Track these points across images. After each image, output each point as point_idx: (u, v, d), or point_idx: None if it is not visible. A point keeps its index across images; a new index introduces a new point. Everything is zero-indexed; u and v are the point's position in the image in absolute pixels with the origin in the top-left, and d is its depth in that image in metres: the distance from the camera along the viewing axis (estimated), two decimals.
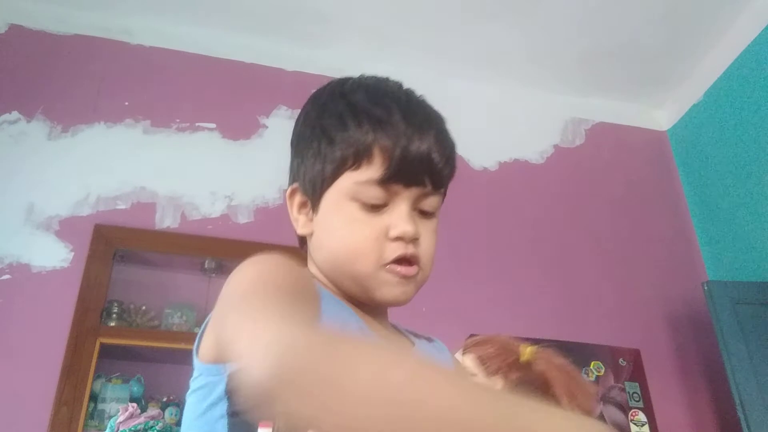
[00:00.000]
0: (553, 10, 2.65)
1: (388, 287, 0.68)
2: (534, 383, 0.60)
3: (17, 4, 2.62)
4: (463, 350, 0.61)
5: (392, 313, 0.77)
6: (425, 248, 0.70)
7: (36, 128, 2.42)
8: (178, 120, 2.57)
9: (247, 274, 0.58)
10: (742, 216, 2.67)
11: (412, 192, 0.68)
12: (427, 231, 0.71)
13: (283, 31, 2.74)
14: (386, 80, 0.76)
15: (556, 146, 3.00)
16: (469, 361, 0.60)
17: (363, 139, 0.67)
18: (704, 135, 2.94)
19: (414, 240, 0.68)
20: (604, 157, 3.03)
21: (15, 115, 2.42)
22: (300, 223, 0.75)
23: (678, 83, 3.04)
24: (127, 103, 2.55)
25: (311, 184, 0.71)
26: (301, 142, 0.75)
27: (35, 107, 2.45)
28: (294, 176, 0.76)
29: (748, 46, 2.69)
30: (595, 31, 2.76)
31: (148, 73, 2.64)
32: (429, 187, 0.69)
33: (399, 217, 0.68)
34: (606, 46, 2.83)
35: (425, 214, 0.71)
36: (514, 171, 2.86)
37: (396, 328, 0.80)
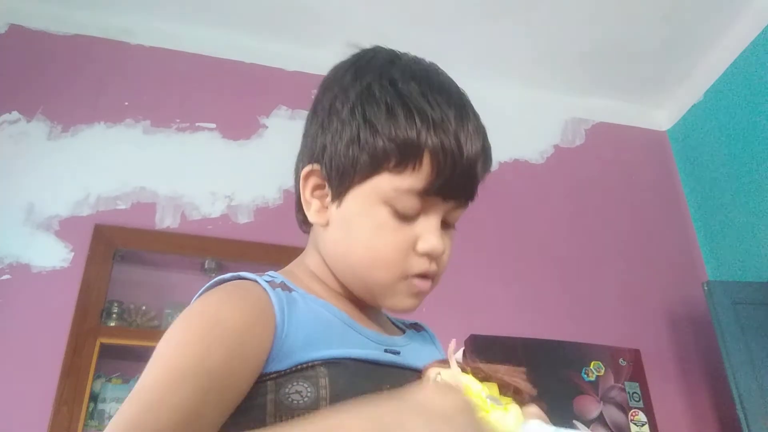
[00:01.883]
0: (553, 10, 2.65)
1: (401, 297, 0.66)
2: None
3: (17, 4, 2.62)
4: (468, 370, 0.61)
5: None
6: (444, 263, 0.68)
7: (36, 128, 2.42)
8: (178, 120, 2.57)
9: (161, 362, 0.54)
10: (742, 216, 2.67)
11: (448, 205, 0.66)
12: (448, 244, 0.68)
13: (283, 31, 2.74)
14: (436, 70, 0.71)
15: (556, 146, 3.00)
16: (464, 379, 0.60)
17: (414, 138, 0.62)
18: (704, 135, 2.94)
19: (438, 257, 0.66)
20: (604, 157, 3.03)
21: (15, 115, 2.42)
22: (313, 209, 0.69)
23: (678, 83, 3.04)
24: (127, 103, 2.55)
25: (338, 171, 0.65)
26: (332, 120, 0.67)
27: (35, 107, 2.45)
28: (314, 155, 0.69)
29: (748, 46, 2.69)
30: (595, 31, 2.76)
31: (148, 73, 2.64)
32: (464, 201, 0.67)
33: (430, 231, 0.64)
34: (606, 46, 2.83)
35: (447, 225, 0.68)
36: (514, 171, 2.86)
37: (386, 318, 0.78)
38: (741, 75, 2.74)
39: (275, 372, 0.58)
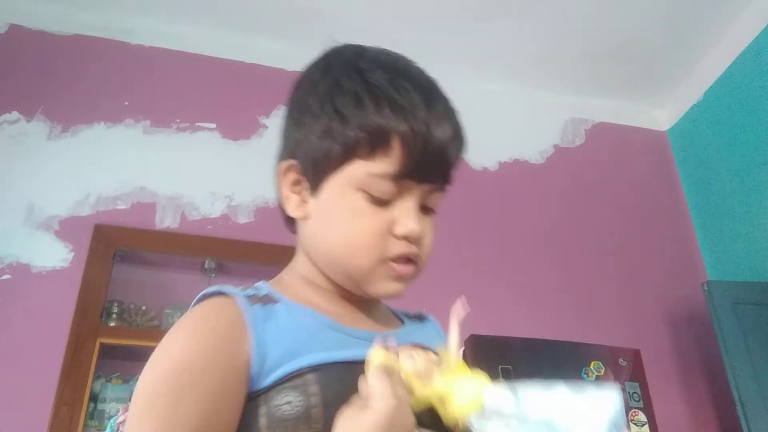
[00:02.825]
0: (554, 10, 2.65)
1: (384, 282, 0.66)
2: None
3: (17, 4, 2.62)
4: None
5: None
6: (426, 247, 0.68)
7: (36, 128, 2.42)
8: (178, 120, 2.57)
9: (150, 371, 0.59)
10: (742, 216, 2.67)
11: (423, 188, 0.66)
12: (428, 228, 0.68)
13: (283, 31, 2.74)
14: (403, 59, 0.71)
15: (556, 146, 3.00)
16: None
17: (382, 125, 0.63)
18: (704, 135, 2.94)
19: (418, 240, 0.66)
20: (604, 157, 3.03)
21: (15, 115, 2.42)
22: (292, 204, 0.70)
23: (678, 83, 3.04)
24: (127, 103, 2.55)
25: (313, 164, 0.67)
26: (305, 115, 0.69)
27: (35, 107, 2.45)
28: (291, 151, 0.71)
29: (748, 46, 2.69)
30: (595, 31, 2.76)
31: (148, 73, 2.64)
32: (439, 184, 0.67)
33: (407, 214, 0.65)
34: (606, 46, 2.83)
35: (426, 210, 0.69)
36: (514, 171, 2.86)
37: (389, 310, 0.79)
38: (741, 75, 2.74)
39: (264, 387, 0.59)
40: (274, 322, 0.62)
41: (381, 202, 0.65)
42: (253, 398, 0.59)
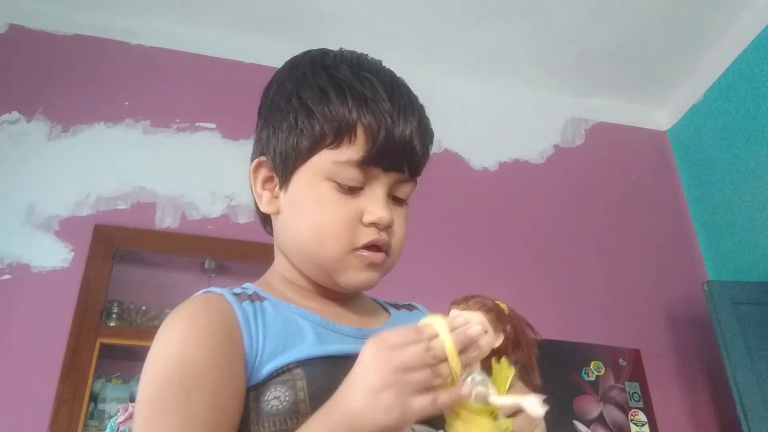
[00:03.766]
0: (553, 10, 2.65)
1: (354, 272, 0.66)
2: (512, 334, 0.61)
3: (17, 4, 2.62)
4: (458, 307, 0.60)
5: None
6: (397, 236, 0.68)
7: (36, 128, 2.42)
8: (178, 120, 2.57)
9: (152, 373, 0.58)
10: (742, 216, 2.67)
11: (390, 177, 0.67)
12: (399, 219, 0.69)
13: (283, 31, 2.74)
14: (367, 57, 0.73)
15: (556, 146, 3.00)
16: (477, 317, 0.59)
17: (346, 115, 0.64)
18: (704, 135, 2.94)
19: (388, 227, 0.66)
20: (604, 157, 3.03)
21: (15, 115, 2.42)
22: (264, 200, 0.72)
23: (678, 83, 3.04)
24: (127, 103, 2.55)
25: (282, 159, 0.68)
26: (273, 113, 0.71)
27: (35, 107, 2.45)
28: (261, 149, 0.73)
29: (748, 46, 2.69)
30: (595, 31, 2.76)
31: (148, 73, 2.64)
32: (407, 174, 0.68)
33: (375, 202, 0.65)
34: (606, 46, 2.83)
35: (398, 201, 0.69)
36: (514, 171, 2.86)
37: (375, 302, 0.79)
38: (741, 75, 2.74)
39: (254, 384, 0.59)
40: (263, 318, 0.63)
41: (350, 191, 0.66)
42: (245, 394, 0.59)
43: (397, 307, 0.80)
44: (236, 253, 2.36)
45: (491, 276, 2.57)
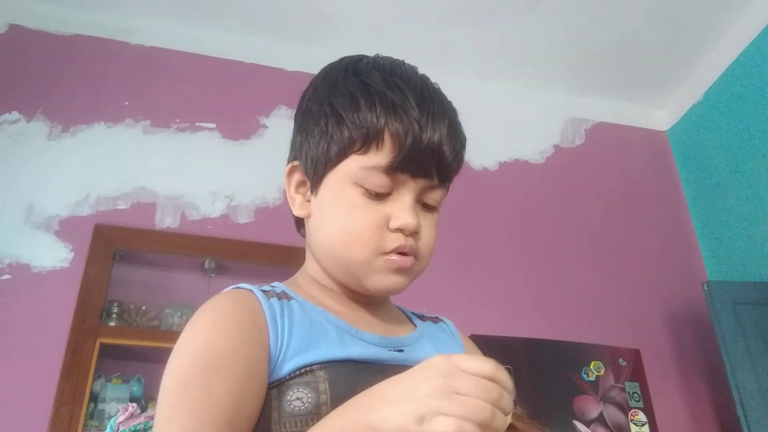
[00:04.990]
0: (553, 10, 2.65)
1: (381, 275, 0.67)
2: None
3: (17, 4, 2.62)
4: None
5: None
6: (425, 242, 0.69)
7: (36, 128, 2.42)
8: (178, 120, 2.57)
9: (177, 360, 0.59)
10: (742, 216, 2.67)
11: (418, 183, 0.67)
12: (428, 224, 0.69)
13: (284, 30, 2.74)
14: (402, 63, 0.74)
15: (556, 146, 3.00)
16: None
17: (374, 121, 0.65)
18: (704, 135, 2.94)
19: (414, 233, 0.67)
20: (604, 157, 3.03)
21: (15, 115, 2.42)
22: (297, 203, 0.73)
23: (678, 83, 3.04)
24: (127, 103, 2.55)
25: (313, 163, 0.69)
26: (306, 118, 0.72)
27: (35, 107, 2.45)
28: (295, 153, 0.74)
29: (748, 46, 2.69)
30: (595, 31, 2.77)
31: (148, 73, 2.64)
32: (435, 180, 0.68)
33: (402, 208, 0.66)
34: (605, 46, 2.83)
35: (428, 207, 0.70)
36: (514, 171, 2.86)
37: (402, 311, 0.79)
38: (741, 75, 2.74)
39: (277, 381, 0.60)
40: (289, 316, 0.64)
41: (377, 197, 0.66)
42: (267, 390, 0.60)
43: (423, 318, 0.81)
44: (236, 253, 2.36)
45: (491, 276, 2.58)
